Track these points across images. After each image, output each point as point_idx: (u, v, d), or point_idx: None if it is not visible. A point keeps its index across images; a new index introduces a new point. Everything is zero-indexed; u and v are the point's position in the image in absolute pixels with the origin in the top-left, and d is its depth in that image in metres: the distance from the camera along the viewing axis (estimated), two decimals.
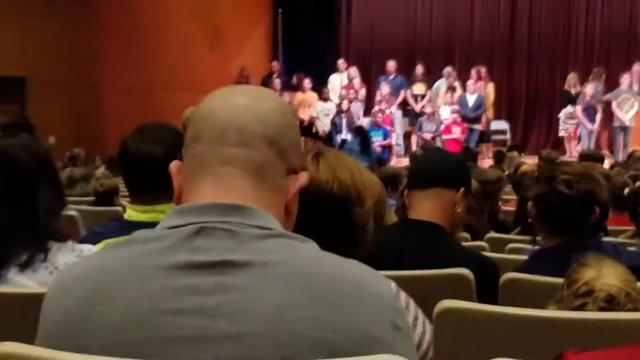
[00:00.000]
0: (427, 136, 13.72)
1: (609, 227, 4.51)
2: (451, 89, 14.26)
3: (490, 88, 14.65)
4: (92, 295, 1.11)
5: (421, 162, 2.81)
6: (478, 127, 14.05)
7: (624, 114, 13.04)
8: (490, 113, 14.59)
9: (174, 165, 1.27)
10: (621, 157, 12.12)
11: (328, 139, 13.48)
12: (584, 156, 9.98)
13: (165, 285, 1.10)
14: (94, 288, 1.12)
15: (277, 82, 14.65)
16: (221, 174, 1.19)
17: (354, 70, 14.94)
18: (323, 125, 13.93)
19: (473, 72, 14.46)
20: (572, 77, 14.22)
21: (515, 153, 10.76)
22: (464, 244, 3.46)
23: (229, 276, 1.09)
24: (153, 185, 2.26)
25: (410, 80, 14.77)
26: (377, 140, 13.43)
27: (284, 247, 1.14)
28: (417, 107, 14.33)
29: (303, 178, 1.27)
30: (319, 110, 14.14)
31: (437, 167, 2.66)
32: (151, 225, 1.21)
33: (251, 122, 1.21)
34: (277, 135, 1.22)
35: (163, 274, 1.10)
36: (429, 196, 2.59)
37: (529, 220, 2.78)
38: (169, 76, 12.94)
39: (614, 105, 13.15)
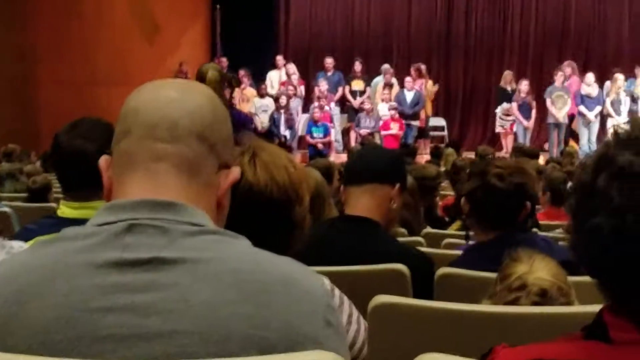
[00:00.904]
0: (365, 132, 13.73)
1: (547, 222, 4.61)
2: (389, 85, 14.35)
3: (430, 85, 14.81)
4: (20, 294, 1.08)
5: (357, 158, 2.82)
6: (416, 123, 14.16)
7: (558, 111, 13.28)
8: (429, 110, 14.77)
9: (103, 160, 1.25)
10: (556, 153, 12.33)
11: (267, 134, 13.38)
12: (518, 151, 10.18)
13: (96, 283, 1.08)
14: (22, 286, 1.09)
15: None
16: (152, 170, 1.18)
17: (292, 67, 14.93)
18: (261, 121, 13.81)
19: (412, 69, 14.59)
20: (507, 74, 14.44)
21: (451, 149, 10.89)
22: (401, 239, 3.48)
23: (160, 273, 1.08)
24: (86, 182, 2.22)
25: (348, 76, 14.85)
26: (317, 137, 13.48)
27: (216, 244, 1.14)
28: (356, 104, 14.37)
29: (235, 173, 1.27)
30: (257, 106, 14.04)
31: (373, 164, 2.67)
32: (84, 222, 1.19)
33: (182, 118, 1.19)
34: (208, 130, 1.21)
35: (93, 271, 1.09)
36: (364, 192, 2.61)
37: (463, 216, 2.81)
38: (107, 71, 12.72)
39: (548, 102, 13.39)
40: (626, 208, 0.99)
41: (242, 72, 14.45)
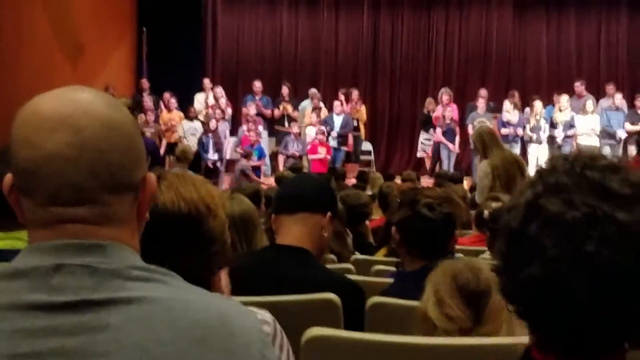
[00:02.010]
0: (292, 153, 13.80)
1: (473, 247, 4.68)
2: (317, 109, 14.43)
3: (363, 110, 14.96)
4: None
5: (287, 187, 2.81)
6: (344, 147, 14.29)
7: None
8: (362, 134, 14.96)
9: (5, 183, 1.18)
10: None
11: (195, 158, 13.21)
12: (441, 176, 10.73)
13: (23, 327, 1.04)
14: None
15: (148, 100, 14.34)
16: (63, 229, 1.13)
17: (219, 90, 14.88)
18: (189, 145, 13.60)
19: (340, 93, 14.73)
20: (429, 102, 14.74)
21: (378, 174, 10.99)
22: (330, 266, 3.50)
23: (90, 316, 1.06)
24: (9, 211, 2.15)
25: (276, 100, 14.89)
26: (252, 160, 13.44)
27: (147, 283, 1.12)
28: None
29: (150, 182, 1.22)
30: (185, 129, 13.97)
31: (303, 192, 2.67)
32: (10, 252, 1.15)
33: (85, 179, 1.12)
34: (117, 176, 1.15)
35: (20, 314, 1.05)
36: (296, 221, 2.61)
37: (393, 245, 2.84)
38: (28, 91, 12.18)
39: (470, 127, 13.58)
40: (560, 259, 0.98)
41: (167, 95, 14.41)
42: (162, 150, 13.43)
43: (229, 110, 14.87)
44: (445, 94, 14.32)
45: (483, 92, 14.46)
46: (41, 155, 1.11)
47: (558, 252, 0.98)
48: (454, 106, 14.33)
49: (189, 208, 1.64)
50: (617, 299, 0.97)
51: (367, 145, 15.66)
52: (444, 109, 14.07)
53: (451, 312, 1.87)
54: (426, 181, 12.77)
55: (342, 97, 14.62)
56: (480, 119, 13.63)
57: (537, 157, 13.08)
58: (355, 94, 14.89)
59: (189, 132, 13.91)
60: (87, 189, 1.12)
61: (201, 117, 14.37)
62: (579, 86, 14.23)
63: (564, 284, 0.98)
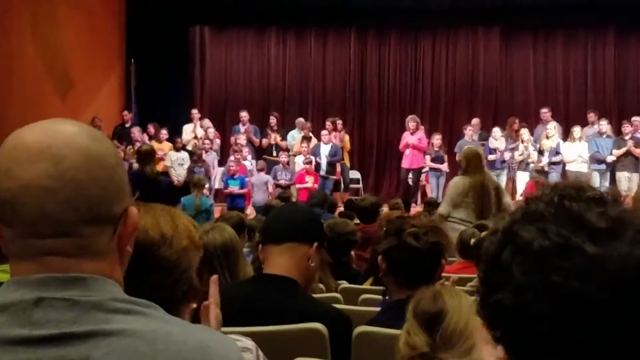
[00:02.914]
0: (281, 182, 13.74)
1: (460, 275, 4.67)
2: (307, 139, 14.54)
3: (347, 139, 15.06)
4: None
5: (274, 217, 2.80)
6: (333, 177, 14.35)
7: None
8: (347, 162, 15.04)
9: None
10: None
11: (184, 188, 13.08)
12: (429, 204, 10.53)
13: None
14: None
15: (135, 130, 14.48)
16: (43, 262, 1.13)
17: (207, 121, 14.98)
18: (177, 175, 13.62)
19: (328, 122, 14.81)
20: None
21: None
22: (318, 296, 3.50)
23: (71, 348, 1.06)
24: None
25: (264, 130, 15.00)
26: (233, 189, 13.37)
27: (128, 315, 1.12)
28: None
29: (132, 216, 1.21)
30: (173, 160, 13.87)
31: (291, 222, 2.67)
32: None
33: (63, 211, 1.12)
34: (95, 209, 1.14)
35: (1, 350, 1.06)
36: (283, 251, 2.61)
37: (379, 275, 2.84)
38: (19, 122, 12.04)
39: (458, 156, 13.53)
40: (525, 287, 0.98)
41: (150, 127, 14.44)
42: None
43: (217, 141, 14.91)
44: (411, 121, 14.45)
45: (475, 121, 14.64)
46: (19, 185, 1.10)
47: (525, 280, 0.97)
48: (422, 134, 14.50)
49: (141, 235, 1.60)
50: (581, 332, 0.95)
51: (355, 174, 15.73)
52: (414, 136, 14.28)
53: (410, 338, 1.88)
54: (416, 209, 12.75)
55: (330, 125, 14.76)
56: (467, 146, 13.59)
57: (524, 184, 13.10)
58: (339, 123, 15.00)
59: (176, 162, 13.86)
60: (65, 222, 1.12)
61: (189, 147, 14.38)
62: (545, 112, 14.36)
63: (529, 312, 0.97)
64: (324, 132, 14.57)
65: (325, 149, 14.37)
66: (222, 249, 3.28)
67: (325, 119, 15.26)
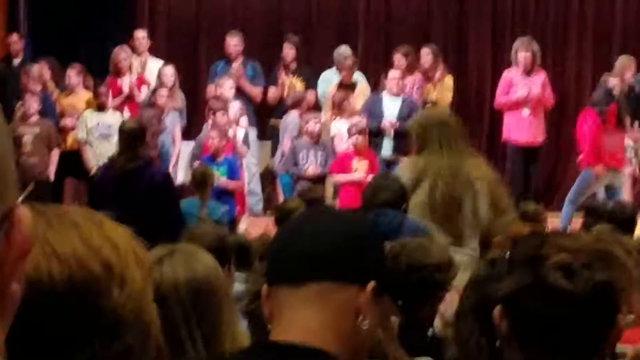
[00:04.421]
0: (311, 170, 9.62)
1: None
2: (349, 86, 10.25)
3: (448, 83, 10.24)
4: None
5: (292, 234, 1.83)
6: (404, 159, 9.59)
7: None
8: None
9: None
10: None
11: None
12: (596, 212, 7.61)
13: None
14: None
15: (33, 70, 10.18)
16: None
17: (167, 66, 10.63)
18: (97, 156, 9.19)
19: (397, 56, 10.24)
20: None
21: None
22: None
23: None
24: None
25: (273, 72, 10.69)
26: (217, 181, 8.98)
27: None
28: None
29: (22, 224, 0.82)
30: (90, 127, 9.61)
31: (321, 246, 1.73)
32: None
33: None
34: None
35: None
36: (306, 298, 1.72)
37: (496, 341, 1.79)
38: None
39: None
40: None
41: (45, 64, 10.54)
42: (53, 166, 9.66)
43: (181, 95, 10.68)
44: (522, 49, 10.14)
45: None
46: None
47: None
48: (543, 76, 10.17)
49: (67, 272, 1.14)
50: None
51: None
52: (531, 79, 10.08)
53: None
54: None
55: (399, 61, 10.05)
56: None
57: None
58: (427, 54, 10.25)
59: (97, 132, 9.71)
60: None
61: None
62: None
63: None
64: (391, 73, 9.97)
65: (391, 106, 9.79)
66: (189, 292, 2.36)
67: (393, 50, 10.46)
